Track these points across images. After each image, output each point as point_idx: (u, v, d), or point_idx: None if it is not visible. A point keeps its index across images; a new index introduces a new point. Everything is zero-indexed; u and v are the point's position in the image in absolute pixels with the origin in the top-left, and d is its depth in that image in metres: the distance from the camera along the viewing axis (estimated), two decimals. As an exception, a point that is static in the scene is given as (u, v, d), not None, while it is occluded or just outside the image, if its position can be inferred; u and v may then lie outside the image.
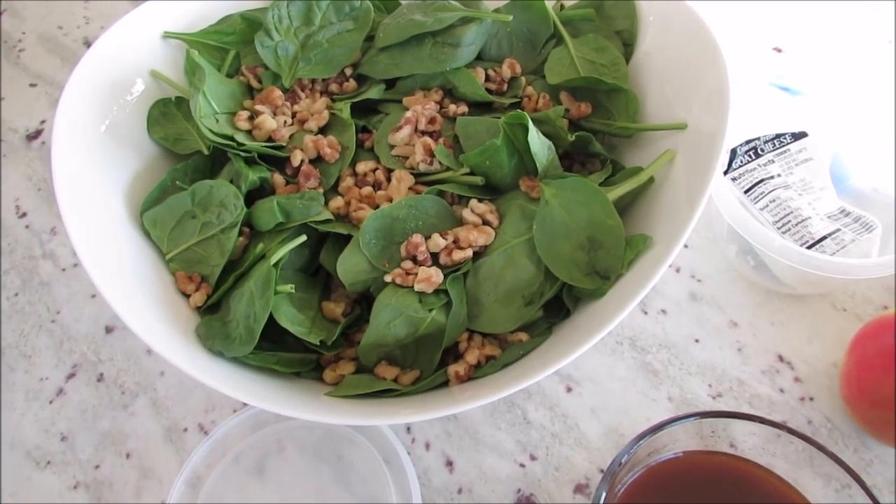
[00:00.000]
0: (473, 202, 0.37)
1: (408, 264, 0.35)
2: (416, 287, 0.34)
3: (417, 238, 0.35)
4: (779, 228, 0.42)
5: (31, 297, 0.49)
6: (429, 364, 0.35)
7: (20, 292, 0.49)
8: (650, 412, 0.41)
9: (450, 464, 0.40)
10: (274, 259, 0.34)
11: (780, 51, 0.59)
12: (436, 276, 0.34)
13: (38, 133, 0.58)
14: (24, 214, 0.53)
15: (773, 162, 0.45)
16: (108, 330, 0.47)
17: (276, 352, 0.36)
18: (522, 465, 0.40)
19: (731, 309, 0.45)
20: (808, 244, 0.41)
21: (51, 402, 0.44)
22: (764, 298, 0.45)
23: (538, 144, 0.36)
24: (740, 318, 0.44)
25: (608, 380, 0.43)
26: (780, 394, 0.41)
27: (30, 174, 0.55)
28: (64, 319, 0.48)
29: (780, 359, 0.43)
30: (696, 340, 0.44)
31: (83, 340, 0.47)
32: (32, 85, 0.61)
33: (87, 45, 0.63)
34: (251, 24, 0.45)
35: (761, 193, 0.43)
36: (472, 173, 0.38)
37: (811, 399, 0.41)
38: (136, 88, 0.43)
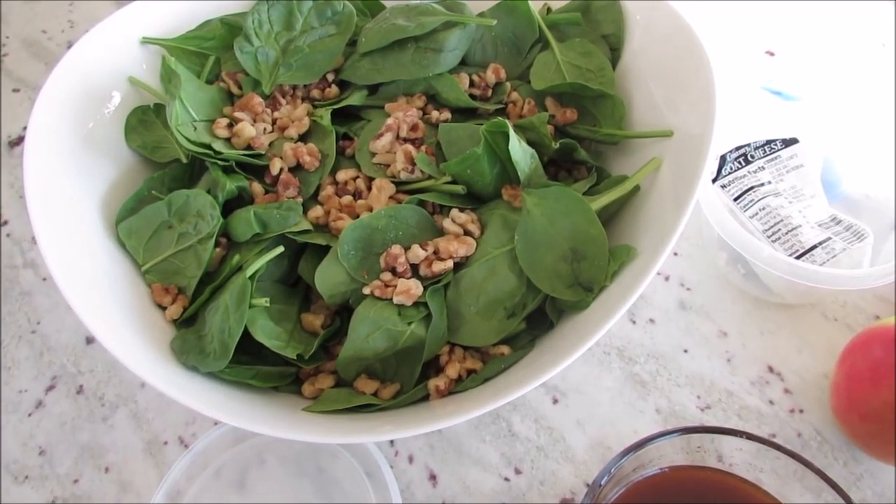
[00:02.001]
0: (454, 212, 0.36)
1: (387, 276, 0.34)
2: (395, 299, 0.33)
3: (397, 249, 0.34)
4: (769, 237, 0.41)
5: (12, 306, 0.48)
6: (409, 378, 0.34)
7: (0, 302, 0.48)
8: (637, 424, 0.40)
9: (433, 477, 0.39)
10: (250, 271, 0.34)
11: (772, 54, 0.58)
12: (415, 288, 0.33)
13: (20, 139, 0.57)
14: (5, 222, 0.52)
15: (764, 169, 0.44)
16: (89, 341, 0.46)
17: (253, 365, 0.35)
18: (507, 479, 0.39)
19: (720, 318, 0.44)
20: (798, 253, 0.40)
21: (29, 415, 0.43)
22: (753, 307, 0.44)
23: (520, 153, 0.35)
24: (730, 327, 0.44)
25: (595, 391, 0.42)
26: (769, 406, 0.41)
27: (12, 181, 0.55)
28: (44, 330, 0.47)
29: (770, 369, 0.42)
30: (685, 350, 0.43)
31: (63, 351, 0.46)
32: (15, 90, 0.60)
33: (71, 49, 0.62)
34: (231, 29, 0.44)
35: (751, 201, 0.43)
36: (453, 182, 0.37)
37: (801, 411, 0.40)
38: (113, 95, 0.42)
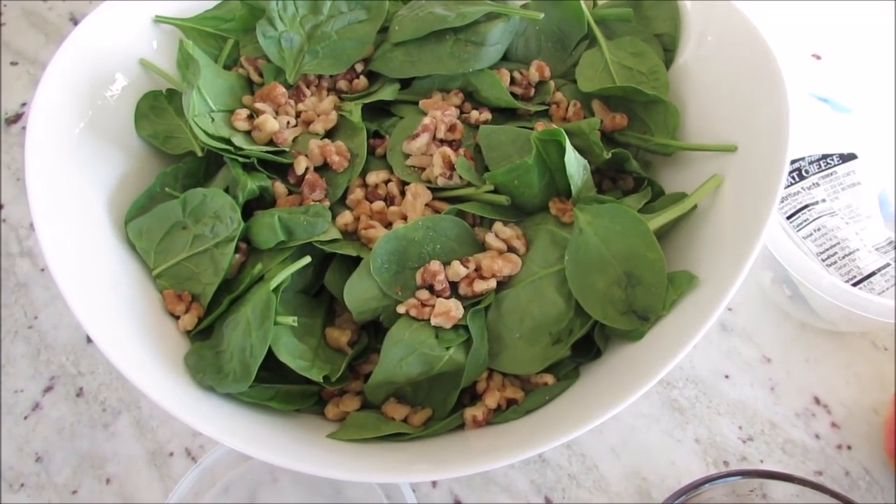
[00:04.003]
0: (498, 226, 0.33)
1: (424, 294, 0.32)
2: (433, 321, 0.31)
3: (435, 265, 0.31)
4: (823, 261, 0.39)
5: (7, 299, 0.45)
6: (443, 404, 0.32)
7: (-6, 293, 0.45)
8: (675, 455, 0.38)
9: None
10: (274, 284, 0.31)
11: (818, 58, 0.55)
12: (455, 309, 0.31)
13: (18, 117, 0.53)
14: (1, 206, 0.49)
15: (818, 185, 0.41)
16: (90, 339, 0.43)
17: (273, 384, 0.32)
18: (536, 508, 0.37)
19: (763, 342, 0.42)
20: (855, 280, 0.38)
21: (25, 418, 0.41)
22: (798, 332, 0.42)
23: (575, 165, 0.32)
24: (773, 353, 0.41)
25: (630, 416, 0.39)
26: (815, 440, 0.38)
27: (8, 162, 0.51)
28: (42, 325, 0.44)
29: (816, 401, 0.40)
30: (726, 376, 0.41)
31: (62, 349, 0.43)
32: (13, 63, 0.56)
33: (74, 21, 0.58)
34: (253, 11, 0.40)
35: (805, 221, 0.40)
36: (495, 191, 0.34)
37: (849, 447, 0.38)
38: (123, 78, 0.38)
